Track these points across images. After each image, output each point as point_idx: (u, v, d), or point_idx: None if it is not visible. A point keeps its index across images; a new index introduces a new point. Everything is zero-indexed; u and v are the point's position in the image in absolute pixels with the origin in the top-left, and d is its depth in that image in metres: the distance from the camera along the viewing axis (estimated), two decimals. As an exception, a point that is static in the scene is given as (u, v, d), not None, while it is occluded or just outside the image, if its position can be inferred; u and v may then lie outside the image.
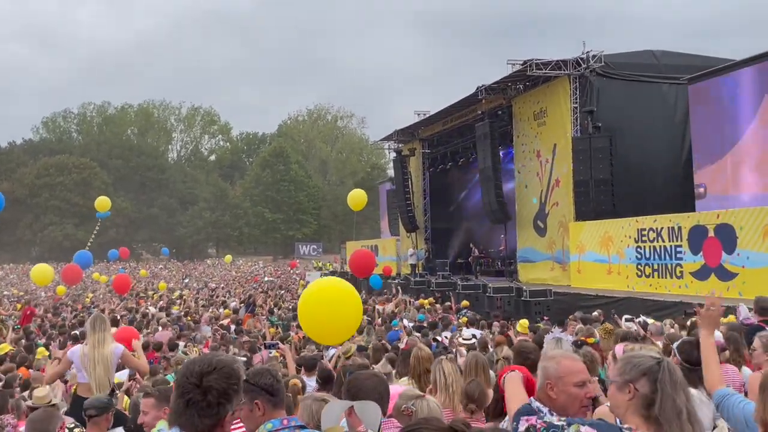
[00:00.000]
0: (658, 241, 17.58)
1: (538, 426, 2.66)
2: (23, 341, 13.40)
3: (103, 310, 18.30)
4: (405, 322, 13.99)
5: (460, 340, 10.06)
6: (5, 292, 34.35)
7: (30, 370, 9.49)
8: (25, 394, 6.72)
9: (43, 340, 13.81)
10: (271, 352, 9.14)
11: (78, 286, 30.58)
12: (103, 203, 24.42)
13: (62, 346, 10.76)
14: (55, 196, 76.94)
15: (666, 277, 17.30)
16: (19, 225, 75.73)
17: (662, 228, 17.48)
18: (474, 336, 10.27)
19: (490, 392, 4.68)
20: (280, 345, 8.67)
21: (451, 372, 5.01)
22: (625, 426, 2.64)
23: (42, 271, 19.50)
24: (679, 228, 16.93)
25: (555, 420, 2.68)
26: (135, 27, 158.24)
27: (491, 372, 6.17)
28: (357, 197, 18.38)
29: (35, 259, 54.10)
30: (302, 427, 2.97)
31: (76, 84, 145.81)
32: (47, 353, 10.65)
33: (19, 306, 23.11)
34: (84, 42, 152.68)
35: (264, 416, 2.99)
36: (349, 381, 3.45)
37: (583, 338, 8.68)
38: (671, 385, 2.66)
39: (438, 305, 19.43)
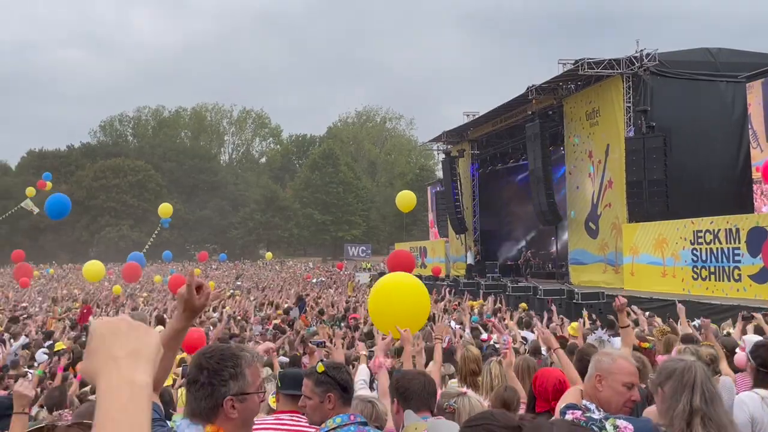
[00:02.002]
0: (714, 243, 17.14)
1: (580, 419, 2.74)
2: (82, 339, 13.81)
3: (155, 309, 18.79)
4: (452, 324, 13.92)
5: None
6: (64, 291, 35.35)
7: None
8: (87, 389, 6.89)
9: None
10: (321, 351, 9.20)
11: (134, 285, 31.31)
12: (165, 210, 25.08)
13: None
14: (112, 198, 79.09)
15: (723, 280, 16.86)
16: (77, 226, 77.99)
17: (719, 230, 17.04)
18: (525, 339, 10.19)
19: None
20: (327, 344, 8.74)
21: (498, 374, 5.01)
22: (661, 424, 2.73)
23: (94, 268, 20.08)
24: (737, 230, 16.48)
25: (595, 415, 2.79)
26: (187, 31, 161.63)
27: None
28: (406, 199, 18.47)
29: (92, 259, 55.71)
30: (365, 423, 3.03)
31: (132, 88, 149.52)
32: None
33: (77, 304, 23.76)
34: (139, 46, 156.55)
35: (333, 410, 3.05)
36: (397, 380, 3.45)
37: (636, 342, 8.54)
38: (687, 385, 2.72)
39: (487, 307, 19.30)
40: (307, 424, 3.70)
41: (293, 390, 3.55)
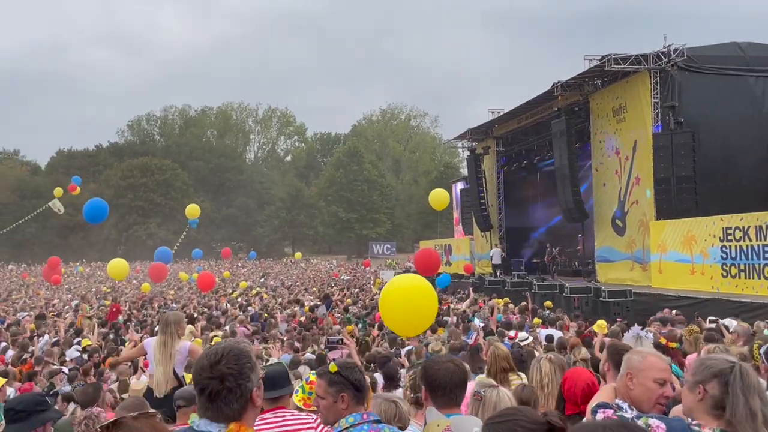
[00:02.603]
0: (744, 241, 16.90)
1: (612, 418, 2.72)
2: (110, 336, 14.03)
3: (183, 307, 19.03)
4: (476, 321, 13.90)
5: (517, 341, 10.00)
6: (92, 289, 35.86)
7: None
8: (134, 379, 6.97)
9: (128, 336, 14.32)
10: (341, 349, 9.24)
11: (161, 283, 31.66)
12: (193, 210, 25.33)
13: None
14: (139, 196, 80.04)
15: (753, 278, 16.60)
16: (106, 224, 78.62)
17: (749, 227, 16.79)
18: (552, 337, 10.15)
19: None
20: (346, 340, 8.78)
21: (549, 372, 5.01)
22: (694, 423, 2.69)
23: (118, 265, 20.38)
24: (768, 227, 16.24)
25: (627, 414, 2.79)
26: (213, 30, 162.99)
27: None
28: (439, 197, 18.45)
29: (121, 257, 56.35)
30: (378, 421, 3.03)
31: (159, 87, 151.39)
32: (134, 348, 11.10)
33: (107, 302, 24.12)
34: (166, 46, 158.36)
35: (347, 410, 3.05)
36: (425, 368, 3.40)
37: (664, 341, 8.47)
38: (743, 389, 2.66)
39: (512, 305, 19.22)
40: (294, 420, 3.76)
41: (269, 391, 3.61)
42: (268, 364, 6.36)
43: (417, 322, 6.40)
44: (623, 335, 10.34)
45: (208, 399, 2.29)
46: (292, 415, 3.87)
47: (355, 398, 3.09)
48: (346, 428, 2.92)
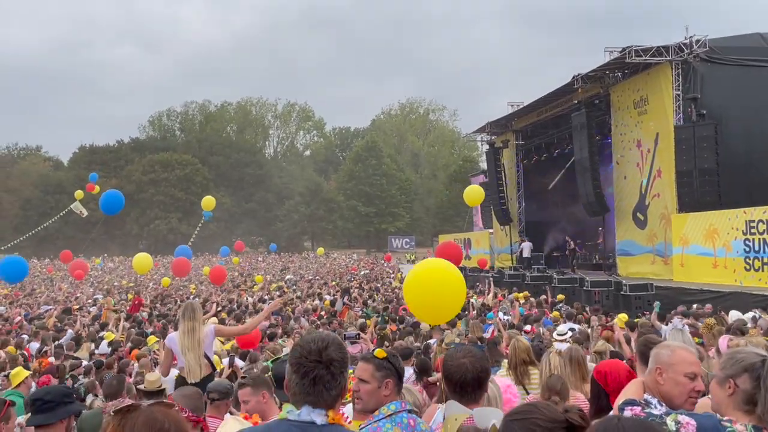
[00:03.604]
0: (768, 234, 16.71)
1: (640, 415, 2.67)
2: (132, 330, 14.17)
3: (204, 301, 19.17)
4: (501, 315, 13.88)
5: (555, 335, 9.92)
6: (115, 283, 36.23)
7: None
8: (146, 375, 7.04)
9: (150, 329, 14.46)
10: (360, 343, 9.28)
11: (184, 278, 31.92)
12: (208, 203, 25.50)
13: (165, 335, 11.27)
14: (160, 191, 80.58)
15: (777, 271, 16.44)
16: (127, 219, 79.74)
17: (773, 219, 16.60)
18: (572, 330, 10.08)
19: (585, 387, 4.62)
20: (362, 335, 8.82)
21: (558, 366, 5.03)
22: (725, 419, 2.62)
23: (142, 260, 20.62)
24: (792, 219, 16.04)
25: (656, 411, 2.71)
26: (233, 26, 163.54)
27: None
28: (474, 193, 19.44)
29: (142, 251, 56.82)
30: (412, 410, 3.08)
31: (179, 83, 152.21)
32: (156, 340, 11.20)
33: (130, 296, 24.38)
34: (186, 42, 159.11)
35: (389, 397, 3.09)
36: (444, 361, 3.39)
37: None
38: None
39: (533, 299, 19.17)
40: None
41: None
42: (284, 355, 6.40)
43: (444, 309, 6.03)
44: (665, 325, 10.27)
45: (312, 383, 2.34)
46: None
47: (397, 386, 3.15)
48: (389, 415, 2.94)
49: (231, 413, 4.66)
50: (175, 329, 11.35)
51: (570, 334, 9.77)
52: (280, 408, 3.77)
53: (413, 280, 5.94)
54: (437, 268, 5.91)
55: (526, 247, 30.05)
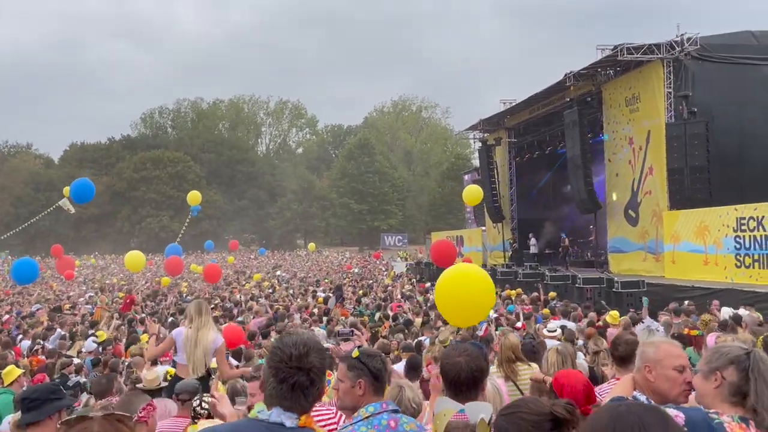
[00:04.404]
0: (759, 231, 16.77)
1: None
2: (123, 328, 14.14)
3: (197, 299, 19.13)
4: (492, 313, 13.90)
5: (545, 332, 9.96)
6: (107, 281, 36.11)
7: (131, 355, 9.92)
8: (144, 373, 7.02)
9: (143, 328, 14.40)
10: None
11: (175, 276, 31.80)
12: (194, 197, 25.37)
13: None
14: (152, 189, 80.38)
15: (767, 268, 16.50)
16: (119, 217, 79.56)
17: (763, 217, 16.66)
18: (563, 327, 10.12)
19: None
20: (356, 332, 8.84)
21: (555, 362, 5.10)
22: (712, 411, 2.65)
23: (135, 257, 20.56)
24: (783, 216, 16.11)
25: None
26: (225, 23, 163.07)
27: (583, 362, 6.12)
28: (473, 193, 19.80)
29: (134, 249, 56.65)
30: (396, 411, 3.04)
31: (172, 80, 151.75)
32: (148, 338, 11.15)
33: (121, 294, 24.28)
34: (178, 39, 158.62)
35: (363, 397, 3.07)
36: (441, 360, 3.38)
37: (686, 330, 8.45)
38: (763, 374, 2.65)
39: (525, 296, 19.20)
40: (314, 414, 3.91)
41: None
42: None
43: (474, 312, 6.27)
44: (635, 326, 10.33)
45: (290, 389, 2.31)
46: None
47: (372, 386, 3.11)
48: (366, 417, 2.92)
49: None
50: (170, 327, 11.31)
51: (559, 331, 9.82)
52: None
53: (445, 284, 6.17)
54: (469, 272, 6.20)
55: (533, 244, 30.19)
